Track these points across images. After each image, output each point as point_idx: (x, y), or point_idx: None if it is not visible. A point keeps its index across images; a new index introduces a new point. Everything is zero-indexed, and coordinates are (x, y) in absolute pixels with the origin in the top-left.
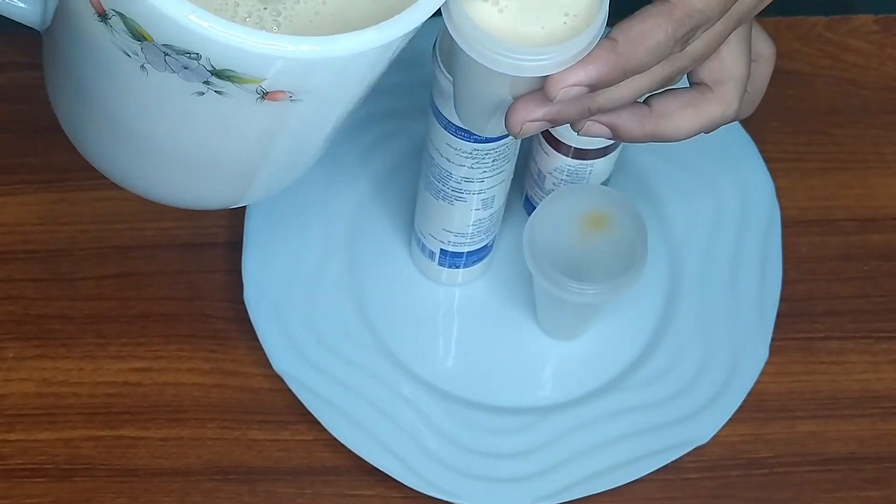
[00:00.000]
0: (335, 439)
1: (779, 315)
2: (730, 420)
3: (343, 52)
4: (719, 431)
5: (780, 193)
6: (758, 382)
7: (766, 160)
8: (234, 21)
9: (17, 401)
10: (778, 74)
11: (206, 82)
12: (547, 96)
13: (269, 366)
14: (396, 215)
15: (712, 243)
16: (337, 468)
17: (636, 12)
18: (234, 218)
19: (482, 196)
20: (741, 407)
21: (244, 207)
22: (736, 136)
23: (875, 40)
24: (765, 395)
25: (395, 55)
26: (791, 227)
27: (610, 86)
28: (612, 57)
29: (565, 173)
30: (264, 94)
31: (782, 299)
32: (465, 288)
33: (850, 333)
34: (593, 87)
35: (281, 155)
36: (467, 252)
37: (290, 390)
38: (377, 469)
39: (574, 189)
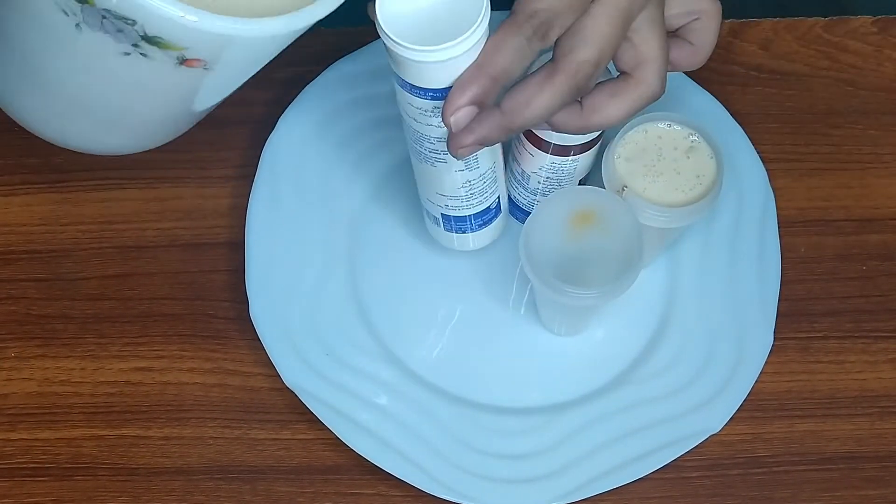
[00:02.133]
0: (335, 438)
1: (778, 314)
2: (729, 419)
3: (258, 34)
4: (718, 431)
5: (778, 194)
6: (757, 382)
7: (765, 161)
8: None
9: (20, 400)
10: (776, 75)
11: (136, 45)
12: (446, 126)
13: (270, 365)
14: (395, 219)
15: (709, 241)
16: (337, 467)
17: None
18: (235, 218)
19: None
20: (740, 406)
21: (244, 220)
22: (734, 135)
23: (873, 41)
24: (764, 394)
25: (289, 45)
26: (789, 227)
27: (492, 96)
28: (478, 72)
29: (549, 171)
30: (183, 61)
31: (781, 299)
32: (467, 291)
33: (849, 333)
34: (478, 103)
35: (179, 113)
36: (471, 215)
37: (289, 390)
38: (377, 468)
39: (564, 192)
